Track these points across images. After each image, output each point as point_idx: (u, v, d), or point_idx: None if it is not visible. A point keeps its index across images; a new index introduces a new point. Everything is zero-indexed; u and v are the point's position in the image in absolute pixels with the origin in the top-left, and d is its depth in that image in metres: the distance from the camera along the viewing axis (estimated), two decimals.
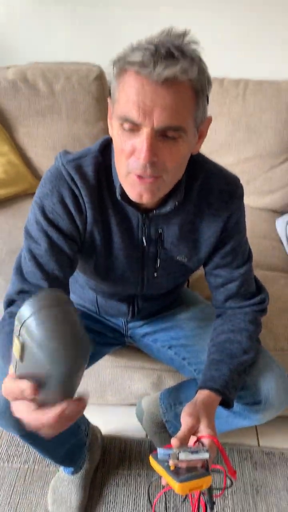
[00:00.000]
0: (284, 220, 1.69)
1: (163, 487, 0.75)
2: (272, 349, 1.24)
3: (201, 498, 0.76)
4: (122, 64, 0.71)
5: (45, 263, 0.87)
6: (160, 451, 0.75)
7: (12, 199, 1.72)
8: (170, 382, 1.36)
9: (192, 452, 0.73)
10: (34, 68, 1.72)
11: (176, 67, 0.67)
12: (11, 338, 0.81)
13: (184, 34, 0.71)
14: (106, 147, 0.88)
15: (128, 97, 0.70)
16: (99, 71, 1.74)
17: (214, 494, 0.76)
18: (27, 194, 1.77)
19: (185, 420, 0.79)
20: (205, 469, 0.74)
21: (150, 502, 1.20)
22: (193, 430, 0.79)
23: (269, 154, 1.69)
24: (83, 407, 0.59)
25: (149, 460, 0.78)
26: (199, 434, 0.78)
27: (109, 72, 1.79)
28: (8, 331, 0.82)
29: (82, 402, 0.59)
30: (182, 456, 0.72)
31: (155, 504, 0.80)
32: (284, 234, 1.65)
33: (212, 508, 0.75)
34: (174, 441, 0.75)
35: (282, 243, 1.65)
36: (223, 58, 1.70)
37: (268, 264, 1.50)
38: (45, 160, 1.76)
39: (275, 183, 1.74)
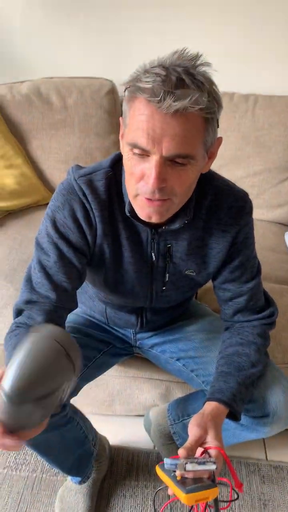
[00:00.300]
0: None
1: (169, 497, 0.76)
2: (280, 362, 1.24)
3: (207, 509, 0.76)
4: (133, 89, 0.73)
5: (54, 274, 0.89)
6: (167, 461, 0.76)
7: (24, 210, 1.75)
8: (178, 393, 1.36)
9: (199, 463, 0.74)
10: (47, 82, 1.76)
11: (185, 100, 0.68)
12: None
13: (196, 57, 0.73)
14: (117, 163, 0.90)
15: (138, 124, 0.72)
16: (111, 86, 1.77)
17: (220, 506, 0.76)
18: (39, 205, 1.80)
19: (193, 431, 0.80)
20: (212, 480, 0.74)
21: (155, 510, 1.20)
22: (201, 441, 0.80)
23: (278, 168, 1.70)
24: (17, 445, 0.65)
25: (156, 471, 0.78)
26: (206, 445, 0.79)
27: (121, 86, 1.83)
28: (14, 345, 0.84)
29: (16, 440, 0.64)
30: (189, 467, 0.73)
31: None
32: None
33: None
34: (181, 451, 0.76)
35: None
36: (233, 73, 1.73)
37: (276, 277, 1.51)
38: (57, 172, 1.79)
39: (284, 196, 1.75)
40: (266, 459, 1.40)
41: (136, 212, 0.84)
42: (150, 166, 0.74)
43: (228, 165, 1.73)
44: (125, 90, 0.76)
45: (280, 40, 1.77)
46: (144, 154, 0.74)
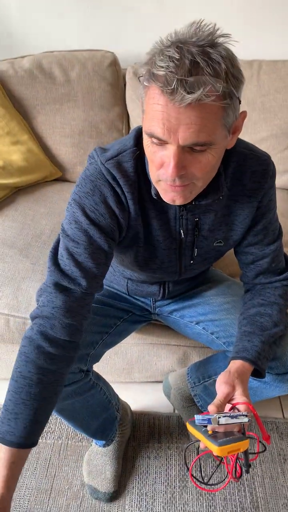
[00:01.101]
0: None
1: (198, 452, 0.79)
2: None
3: (237, 463, 0.79)
4: (148, 75, 0.71)
5: (83, 261, 0.87)
6: (198, 417, 0.78)
7: (33, 186, 1.76)
8: (195, 358, 1.40)
9: (232, 417, 0.77)
10: (49, 56, 1.74)
11: (198, 91, 0.65)
12: (23, 366, 0.83)
13: (213, 31, 0.69)
14: (139, 139, 0.88)
15: (153, 114, 0.71)
16: (113, 57, 1.75)
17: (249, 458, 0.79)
18: (47, 181, 1.80)
19: (221, 388, 0.82)
20: (242, 433, 0.77)
21: (187, 466, 1.24)
22: (229, 398, 0.82)
23: (285, 133, 1.70)
24: None
25: (186, 427, 0.81)
26: (234, 402, 0.82)
27: (122, 58, 1.80)
28: (24, 367, 0.83)
29: None
30: (223, 420, 0.76)
31: (191, 468, 0.84)
32: None
33: (247, 471, 0.79)
34: (211, 408, 0.78)
35: None
36: (235, 40, 1.71)
37: None
38: (63, 147, 1.79)
39: None
40: (283, 417, 1.45)
41: (161, 195, 0.84)
42: (168, 155, 0.73)
43: None
44: (141, 73, 0.73)
45: (281, 5, 1.74)
46: (163, 142, 0.73)
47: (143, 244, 0.95)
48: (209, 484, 0.81)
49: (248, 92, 1.68)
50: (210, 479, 1.16)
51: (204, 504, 1.22)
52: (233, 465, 0.77)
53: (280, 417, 1.45)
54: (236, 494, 1.24)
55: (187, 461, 1.24)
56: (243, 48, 1.72)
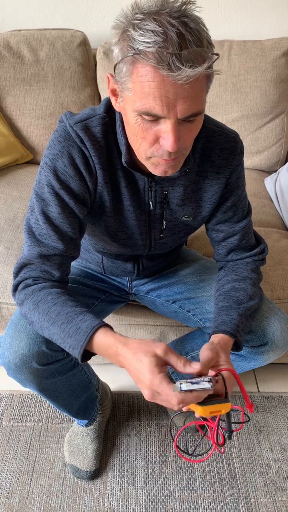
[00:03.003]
0: (272, 178, 1.74)
1: (184, 423, 0.80)
2: (269, 298, 1.30)
3: (219, 430, 0.81)
4: (131, 51, 0.69)
5: (59, 225, 0.88)
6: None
7: (4, 169, 1.72)
8: (173, 337, 1.42)
9: (193, 383, 0.74)
10: (16, 35, 1.70)
11: (203, 65, 0.66)
12: (56, 302, 0.85)
13: (183, 1, 0.68)
14: (110, 109, 0.89)
15: (148, 92, 0.70)
16: (82, 37, 1.73)
17: (233, 428, 0.81)
18: (18, 164, 1.77)
19: (205, 354, 0.81)
20: (225, 397, 0.79)
21: (172, 437, 1.27)
22: (213, 362, 0.81)
23: (256, 114, 1.72)
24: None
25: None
26: (219, 368, 0.81)
27: (92, 37, 1.77)
28: (51, 302, 0.85)
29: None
30: (184, 387, 0.73)
31: (177, 438, 0.85)
32: (274, 192, 1.70)
33: (230, 437, 0.81)
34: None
35: (272, 201, 1.71)
36: (206, 20, 1.71)
37: (260, 221, 1.56)
38: (34, 129, 1.76)
39: (262, 143, 1.78)
40: (258, 391, 1.50)
41: (150, 170, 0.84)
42: (166, 130, 0.73)
43: (206, 112, 1.72)
44: (116, 44, 0.72)
45: None
46: (157, 117, 0.73)
47: (112, 213, 0.96)
48: (194, 455, 0.83)
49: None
50: (195, 449, 1.19)
51: (184, 477, 1.25)
52: (216, 428, 0.79)
53: (255, 391, 1.50)
54: (215, 466, 1.28)
55: (172, 432, 1.26)
56: (214, 28, 1.75)
